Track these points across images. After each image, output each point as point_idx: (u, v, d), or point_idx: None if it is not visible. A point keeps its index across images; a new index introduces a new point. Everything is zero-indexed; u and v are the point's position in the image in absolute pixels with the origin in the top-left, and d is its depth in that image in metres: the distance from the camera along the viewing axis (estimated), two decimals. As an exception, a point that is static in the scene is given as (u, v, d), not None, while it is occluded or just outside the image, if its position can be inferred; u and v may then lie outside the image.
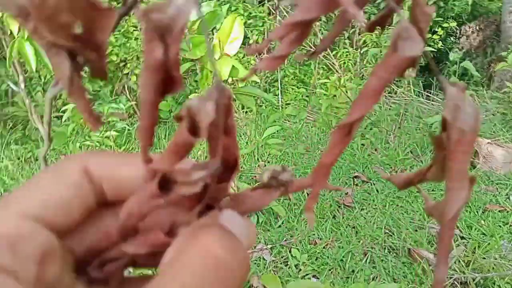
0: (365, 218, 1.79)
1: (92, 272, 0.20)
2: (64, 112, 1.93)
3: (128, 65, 3.00)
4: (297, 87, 3.52)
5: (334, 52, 3.32)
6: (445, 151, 0.14)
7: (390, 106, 3.00)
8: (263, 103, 3.19)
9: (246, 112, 2.99)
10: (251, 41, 3.40)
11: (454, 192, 0.14)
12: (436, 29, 3.67)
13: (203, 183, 0.15)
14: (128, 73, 2.99)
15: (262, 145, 2.18)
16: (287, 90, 3.50)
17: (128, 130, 2.68)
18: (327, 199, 1.95)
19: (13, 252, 0.16)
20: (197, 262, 0.14)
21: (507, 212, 1.72)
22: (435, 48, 3.50)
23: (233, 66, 1.09)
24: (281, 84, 3.42)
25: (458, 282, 1.38)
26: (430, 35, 3.50)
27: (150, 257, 0.21)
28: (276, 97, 3.30)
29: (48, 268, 0.17)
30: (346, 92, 2.40)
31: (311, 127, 2.80)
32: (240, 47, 1.06)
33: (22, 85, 1.76)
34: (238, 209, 0.17)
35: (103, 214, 0.21)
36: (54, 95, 0.52)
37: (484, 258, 1.48)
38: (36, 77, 2.78)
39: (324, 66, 3.57)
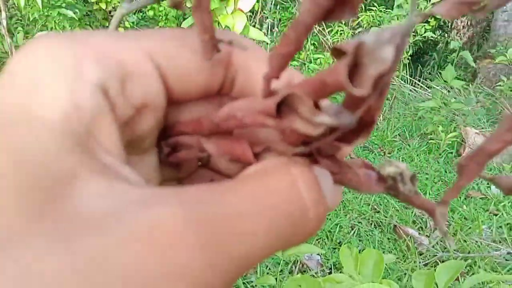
0: (352, 194, 1.82)
1: (164, 148, 0.18)
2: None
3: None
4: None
5: (328, 29, 3.29)
6: None
7: (379, 90, 3.02)
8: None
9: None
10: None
11: None
12: (429, 19, 3.70)
13: (324, 130, 0.12)
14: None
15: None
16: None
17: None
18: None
19: (121, 84, 0.14)
20: (278, 188, 0.13)
21: (488, 199, 1.79)
22: (424, 38, 3.53)
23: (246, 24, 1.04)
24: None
25: (440, 261, 1.44)
26: (422, 24, 3.52)
27: (225, 164, 0.19)
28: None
29: (141, 120, 0.15)
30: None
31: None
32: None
33: (4, 23, 1.62)
34: (335, 176, 0.15)
35: (219, 102, 0.18)
36: (126, 13, 0.47)
37: (465, 241, 1.55)
38: (18, 16, 2.59)
39: (315, 43, 3.53)
